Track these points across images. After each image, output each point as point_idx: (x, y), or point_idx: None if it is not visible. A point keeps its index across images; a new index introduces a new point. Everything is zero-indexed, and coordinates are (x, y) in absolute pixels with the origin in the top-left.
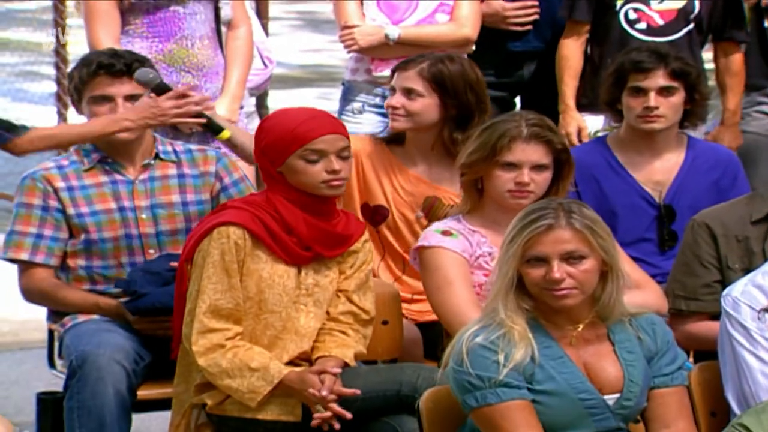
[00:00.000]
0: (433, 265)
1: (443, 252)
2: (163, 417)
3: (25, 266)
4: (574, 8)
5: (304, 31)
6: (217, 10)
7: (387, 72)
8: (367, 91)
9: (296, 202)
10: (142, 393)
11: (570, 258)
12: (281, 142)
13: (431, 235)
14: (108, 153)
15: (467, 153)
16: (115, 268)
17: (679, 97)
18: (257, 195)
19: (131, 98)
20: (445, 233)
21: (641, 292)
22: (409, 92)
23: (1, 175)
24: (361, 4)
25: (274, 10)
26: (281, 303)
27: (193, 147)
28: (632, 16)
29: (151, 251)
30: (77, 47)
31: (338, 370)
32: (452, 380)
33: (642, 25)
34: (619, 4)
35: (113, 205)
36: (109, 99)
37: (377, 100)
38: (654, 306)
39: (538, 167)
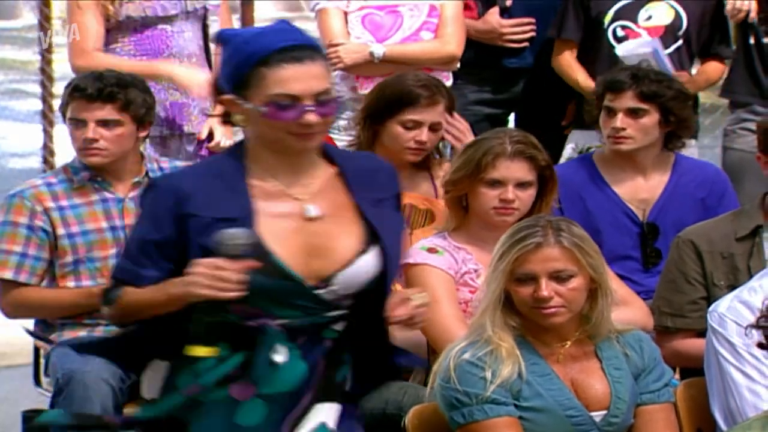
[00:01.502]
0: (419, 282)
1: (429, 269)
2: None
3: (7, 285)
4: (562, 27)
5: None
6: (205, 28)
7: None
8: (353, 108)
9: None
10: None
11: (558, 276)
12: None
13: (417, 253)
14: (97, 171)
15: (451, 170)
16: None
17: (650, 119)
18: None
19: (104, 124)
20: (431, 250)
21: (627, 309)
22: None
23: None
24: (346, 22)
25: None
26: None
27: (180, 164)
28: (620, 33)
29: None
30: (63, 65)
31: None
32: (439, 397)
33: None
34: (607, 21)
35: (104, 224)
36: (82, 122)
37: None
38: (640, 323)
39: (522, 184)
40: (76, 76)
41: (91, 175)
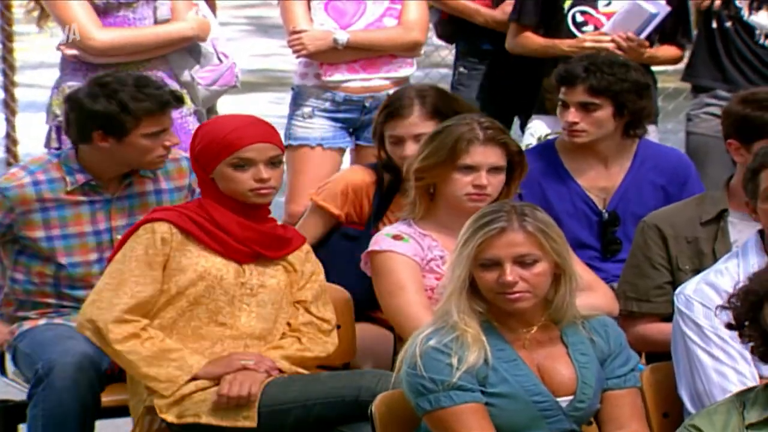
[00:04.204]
0: (384, 269)
1: (395, 256)
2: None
3: None
4: (522, 12)
5: (254, 36)
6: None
7: (337, 76)
8: (317, 95)
9: (228, 207)
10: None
11: (523, 261)
12: (212, 149)
13: (382, 240)
14: (93, 175)
15: (421, 158)
16: (83, 290)
17: (604, 113)
18: (190, 202)
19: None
20: (396, 237)
21: (593, 294)
22: None
23: None
24: (309, 8)
25: (223, 15)
26: (212, 295)
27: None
28: (579, 19)
29: None
30: (25, 54)
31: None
32: (405, 384)
33: (589, 28)
34: (566, 6)
35: (88, 228)
36: (165, 131)
37: (327, 105)
38: (605, 308)
39: (494, 169)
40: (126, 91)
41: (86, 179)
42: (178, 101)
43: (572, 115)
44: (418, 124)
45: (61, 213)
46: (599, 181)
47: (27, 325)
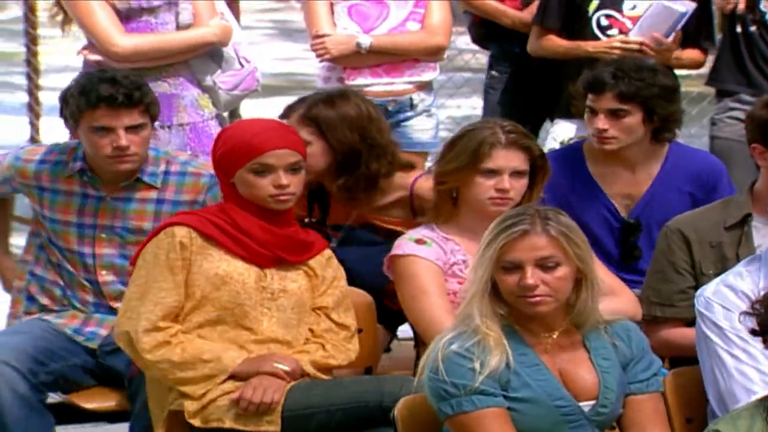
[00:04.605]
0: (407, 273)
1: (417, 261)
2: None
3: None
4: (545, 15)
5: (277, 40)
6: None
7: (360, 80)
8: None
9: (250, 211)
10: (96, 405)
11: (544, 264)
12: (233, 154)
13: (405, 244)
14: (91, 166)
15: (443, 162)
16: (76, 280)
17: (633, 119)
18: (212, 206)
19: (132, 129)
20: (419, 242)
21: (616, 299)
22: None
23: None
24: (332, 12)
25: (246, 19)
26: (237, 300)
27: (191, 168)
28: (604, 22)
29: (103, 272)
30: (49, 57)
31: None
32: (428, 388)
33: (614, 32)
34: (591, 10)
35: (73, 219)
36: (110, 130)
37: None
38: (628, 313)
39: (517, 173)
40: (86, 82)
41: (83, 167)
42: (125, 104)
43: (601, 122)
44: (294, 127)
45: (53, 197)
46: (624, 188)
47: (24, 319)
